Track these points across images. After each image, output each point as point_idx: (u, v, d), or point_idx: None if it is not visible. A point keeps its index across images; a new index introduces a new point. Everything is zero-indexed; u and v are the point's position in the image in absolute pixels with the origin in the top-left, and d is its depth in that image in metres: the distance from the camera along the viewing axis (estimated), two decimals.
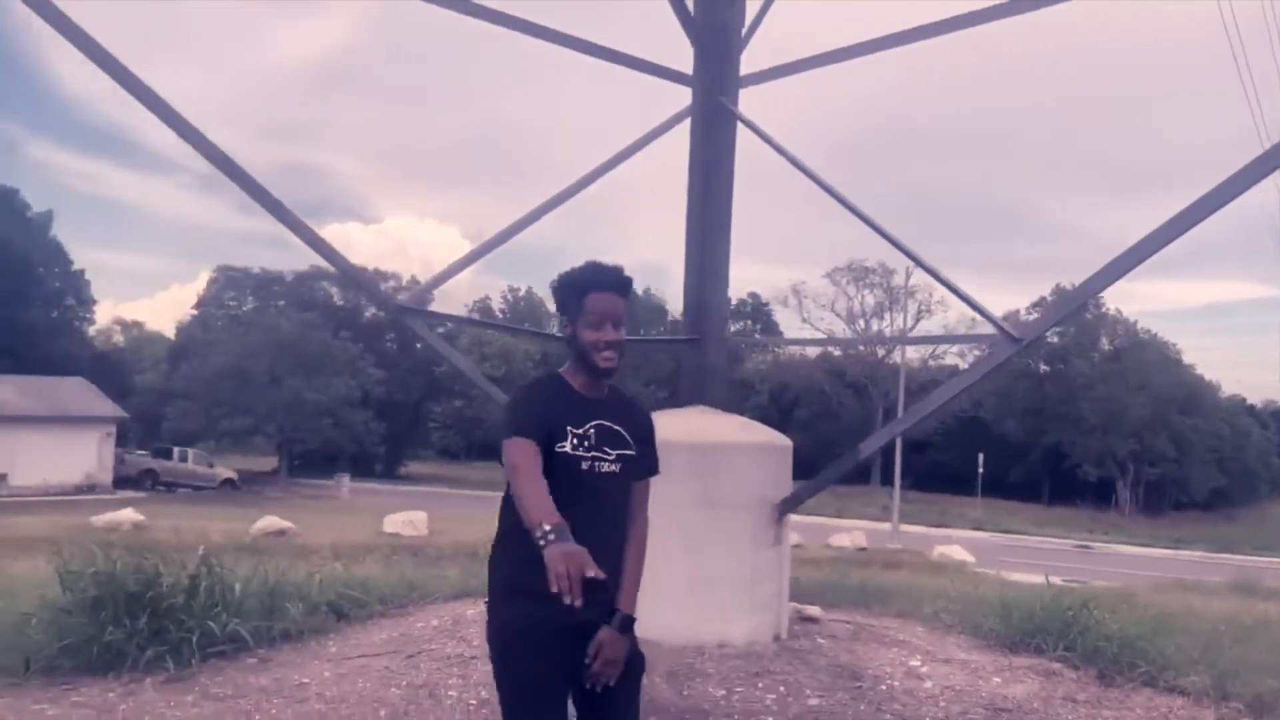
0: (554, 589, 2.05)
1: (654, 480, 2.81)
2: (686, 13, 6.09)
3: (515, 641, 2.54)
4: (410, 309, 4.53)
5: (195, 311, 59.52)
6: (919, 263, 5.75)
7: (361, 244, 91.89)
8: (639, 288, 63.54)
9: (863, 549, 24.04)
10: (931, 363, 62.45)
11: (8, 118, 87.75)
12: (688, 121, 6.44)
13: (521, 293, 71.10)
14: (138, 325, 72.61)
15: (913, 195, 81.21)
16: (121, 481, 39.75)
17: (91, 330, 60.36)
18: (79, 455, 38.03)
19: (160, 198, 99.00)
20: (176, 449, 43.54)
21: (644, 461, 2.74)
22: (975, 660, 5.81)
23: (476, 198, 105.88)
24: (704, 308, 6.35)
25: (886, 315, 62.53)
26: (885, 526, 33.61)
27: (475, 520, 28.16)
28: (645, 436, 2.75)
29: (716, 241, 6.32)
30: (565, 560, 2.07)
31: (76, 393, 40.55)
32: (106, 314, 63.30)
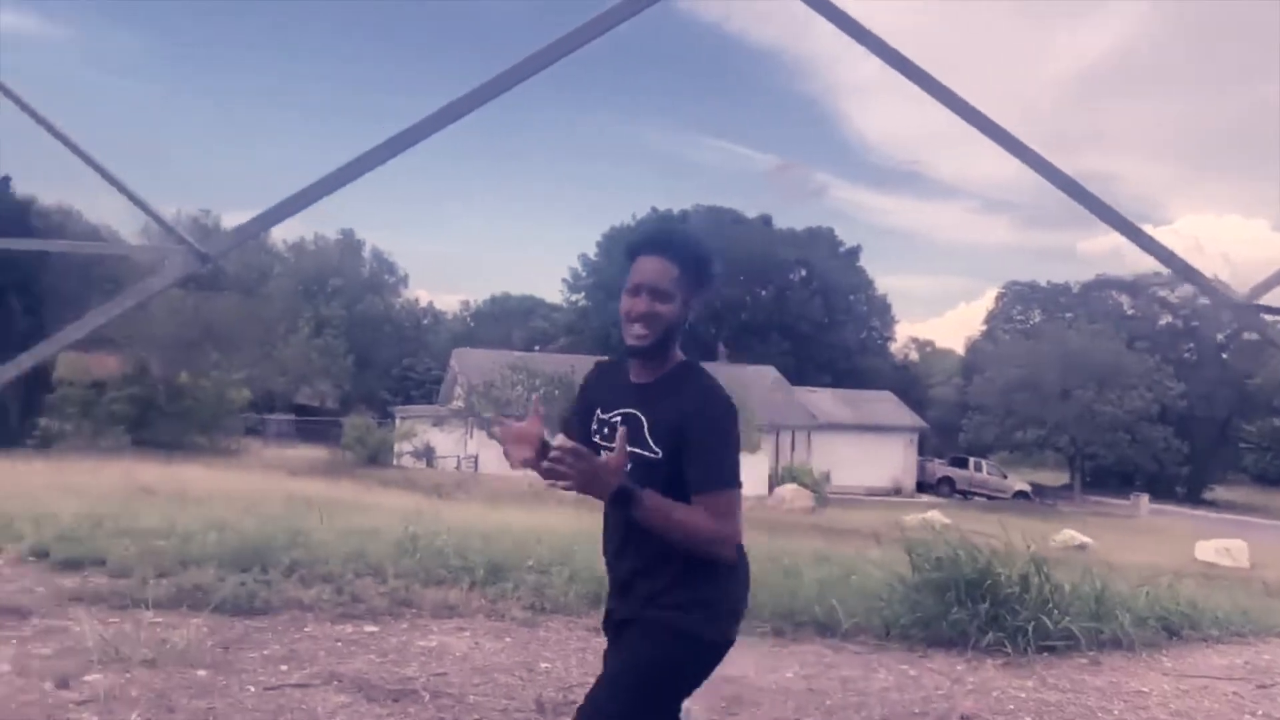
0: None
1: None
2: None
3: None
4: (1252, 305, 4.13)
5: (984, 327, 61.93)
6: None
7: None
8: None
9: None
10: None
11: (820, 167, 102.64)
12: None
13: None
14: (929, 343, 78.10)
15: None
16: (922, 486, 43.22)
17: (891, 348, 66.77)
18: (887, 461, 42.44)
19: (946, 223, 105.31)
20: (972, 459, 45.71)
21: (666, 469, 2.13)
22: None
23: None
24: None
25: None
26: None
27: None
28: (684, 438, 2.13)
29: None
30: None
31: (884, 405, 45.37)
32: (901, 334, 69.32)
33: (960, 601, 5.64)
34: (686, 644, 2.20)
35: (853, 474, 40.12)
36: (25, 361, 5.86)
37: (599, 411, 2.28)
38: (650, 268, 2.19)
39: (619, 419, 2.19)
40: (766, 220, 60.26)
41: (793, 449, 39.33)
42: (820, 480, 34.72)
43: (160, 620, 4.90)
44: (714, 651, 2.26)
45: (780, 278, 57.46)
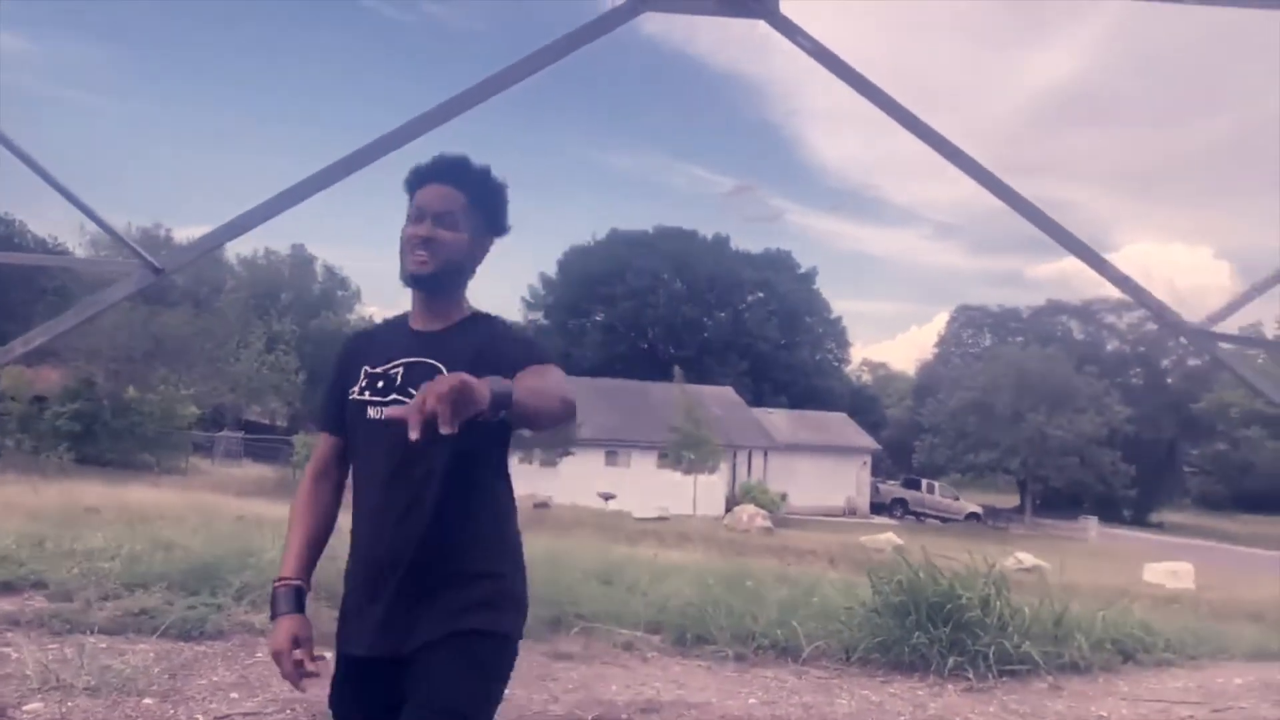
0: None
1: None
2: None
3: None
4: (1207, 332, 4.20)
5: (935, 350, 62.83)
6: None
7: (1095, 275, 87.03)
8: None
9: None
10: None
11: (778, 191, 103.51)
12: None
13: None
14: (882, 365, 78.96)
15: None
16: (876, 508, 43.53)
17: (845, 370, 67.41)
18: (842, 482, 42.71)
19: (901, 247, 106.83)
20: (924, 481, 46.14)
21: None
22: None
23: (1233, 214, 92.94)
24: None
25: None
26: None
27: (1251, 581, 24.41)
28: (492, 357, 1.89)
29: None
30: (274, 655, 1.95)
31: (839, 426, 45.69)
32: (855, 356, 70.08)
33: (921, 625, 5.64)
34: None
35: (808, 495, 40.30)
36: None
37: (367, 366, 1.99)
38: (435, 194, 2.00)
39: (400, 369, 1.94)
40: (724, 241, 60.63)
41: (749, 469, 39.41)
42: (777, 501, 34.82)
43: (105, 646, 4.72)
44: None
45: (738, 299, 57.83)
